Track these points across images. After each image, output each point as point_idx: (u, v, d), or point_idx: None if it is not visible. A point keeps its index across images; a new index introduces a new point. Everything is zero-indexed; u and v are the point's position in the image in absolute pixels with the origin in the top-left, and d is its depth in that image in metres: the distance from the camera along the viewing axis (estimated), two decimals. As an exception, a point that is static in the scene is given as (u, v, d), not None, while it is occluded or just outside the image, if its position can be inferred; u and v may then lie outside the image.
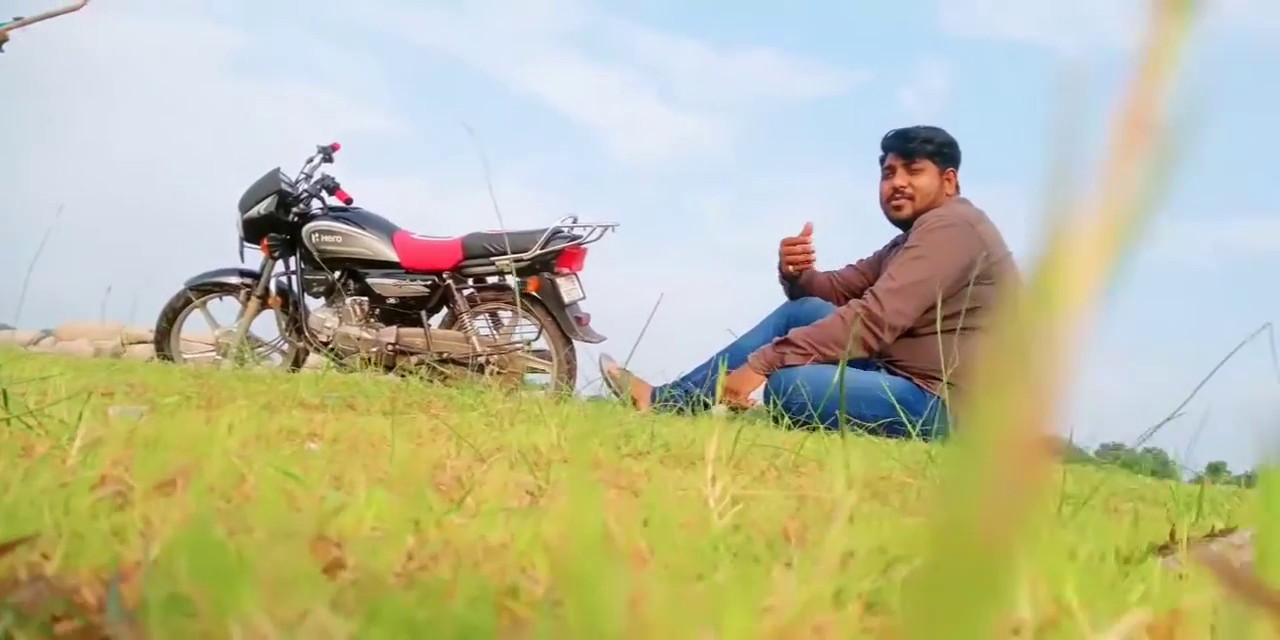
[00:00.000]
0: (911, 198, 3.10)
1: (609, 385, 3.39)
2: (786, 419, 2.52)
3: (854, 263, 3.48)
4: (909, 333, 2.95)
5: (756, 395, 3.04)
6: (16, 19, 4.86)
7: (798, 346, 2.90)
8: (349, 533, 0.46)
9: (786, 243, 3.43)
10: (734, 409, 2.95)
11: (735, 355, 3.24)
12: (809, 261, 3.42)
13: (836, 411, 2.65)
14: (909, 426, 2.17)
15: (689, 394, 2.97)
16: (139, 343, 8.35)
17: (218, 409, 1.84)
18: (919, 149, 3.10)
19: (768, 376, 2.95)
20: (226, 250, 4.82)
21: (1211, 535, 0.88)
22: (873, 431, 2.46)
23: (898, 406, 2.42)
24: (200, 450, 0.82)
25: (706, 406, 3.17)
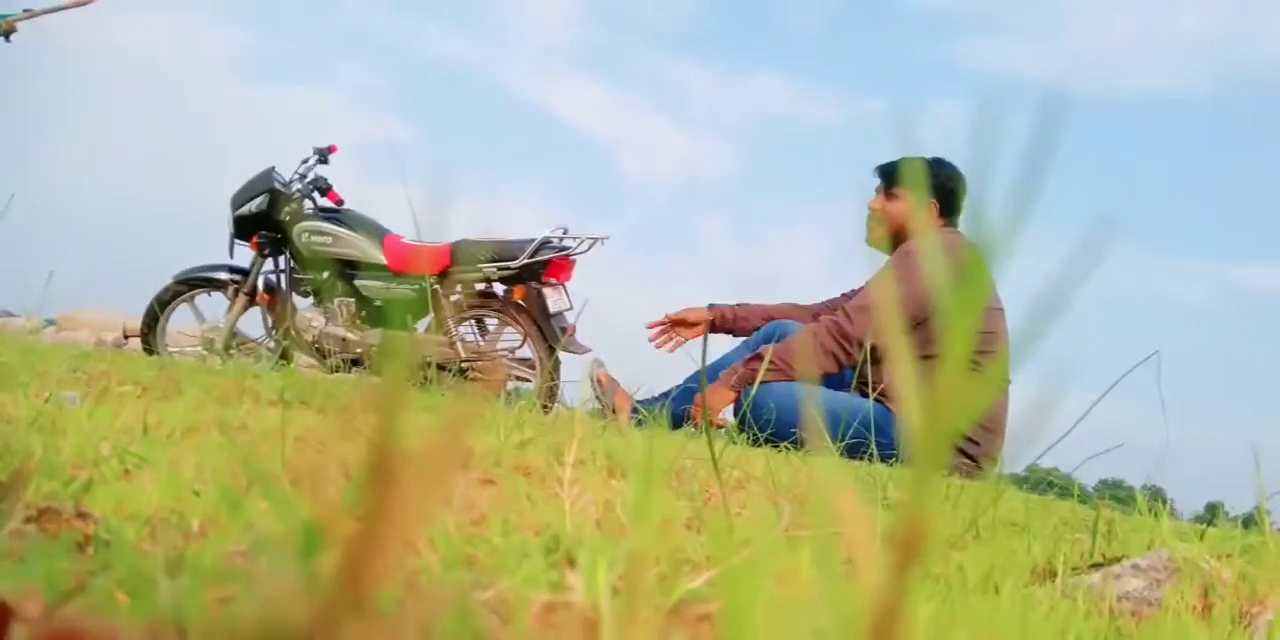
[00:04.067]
0: (881, 222, 3.14)
1: (594, 390, 3.40)
2: (745, 435, 2.51)
3: (847, 292, 3.49)
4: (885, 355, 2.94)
5: (728, 412, 3.03)
6: (26, 11, 4.90)
7: (769, 363, 2.90)
8: (127, 511, 0.46)
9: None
10: (695, 425, 2.95)
11: (713, 373, 3.24)
12: (671, 342, 3.43)
13: (799, 430, 2.64)
14: (873, 448, 2.16)
15: (651, 409, 2.97)
16: (139, 335, 8.37)
17: (169, 400, 1.84)
18: (896, 176, 3.14)
19: (738, 393, 2.94)
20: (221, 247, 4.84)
21: (1097, 564, 0.87)
22: (840, 452, 2.44)
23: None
24: (84, 435, 0.82)
25: (680, 422, 3.18)
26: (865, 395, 3.02)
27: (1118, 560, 0.85)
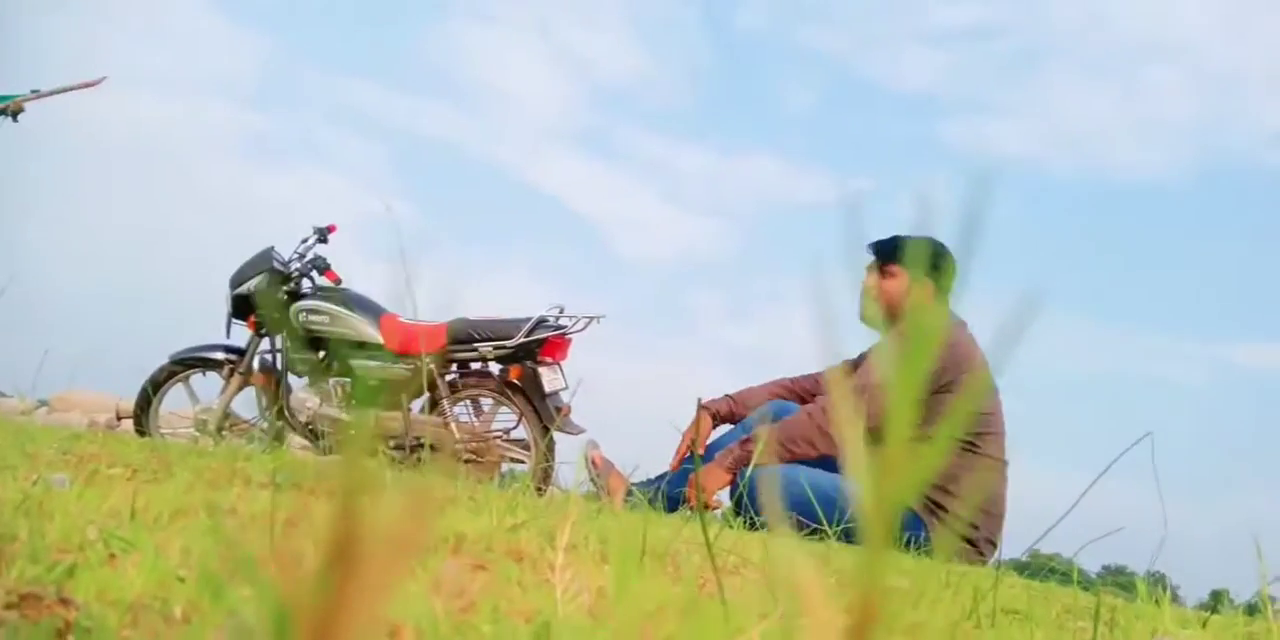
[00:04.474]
0: (875, 299, 3.15)
1: (589, 472, 3.36)
2: (741, 519, 2.48)
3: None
4: (880, 438, 2.93)
5: (723, 494, 3.00)
6: (34, 92, 5.02)
7: (765, 445, 2.88)
8: (109, 597, 0.46)
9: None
10: (692, 507, 2.91)
11: (711, 453, 3.22)
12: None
13: (795, 513, 2.61)
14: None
15: (646, 492, 2.94)
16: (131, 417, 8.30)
17: (159, 482, 1.82)
18: (893, 254, 3.15)
19: (734, 475, 2.92)
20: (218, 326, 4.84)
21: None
22: (836, 537, 2.41)
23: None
24: (71, 518, 0.81)
25: (676, 505, 3.15)
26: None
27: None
